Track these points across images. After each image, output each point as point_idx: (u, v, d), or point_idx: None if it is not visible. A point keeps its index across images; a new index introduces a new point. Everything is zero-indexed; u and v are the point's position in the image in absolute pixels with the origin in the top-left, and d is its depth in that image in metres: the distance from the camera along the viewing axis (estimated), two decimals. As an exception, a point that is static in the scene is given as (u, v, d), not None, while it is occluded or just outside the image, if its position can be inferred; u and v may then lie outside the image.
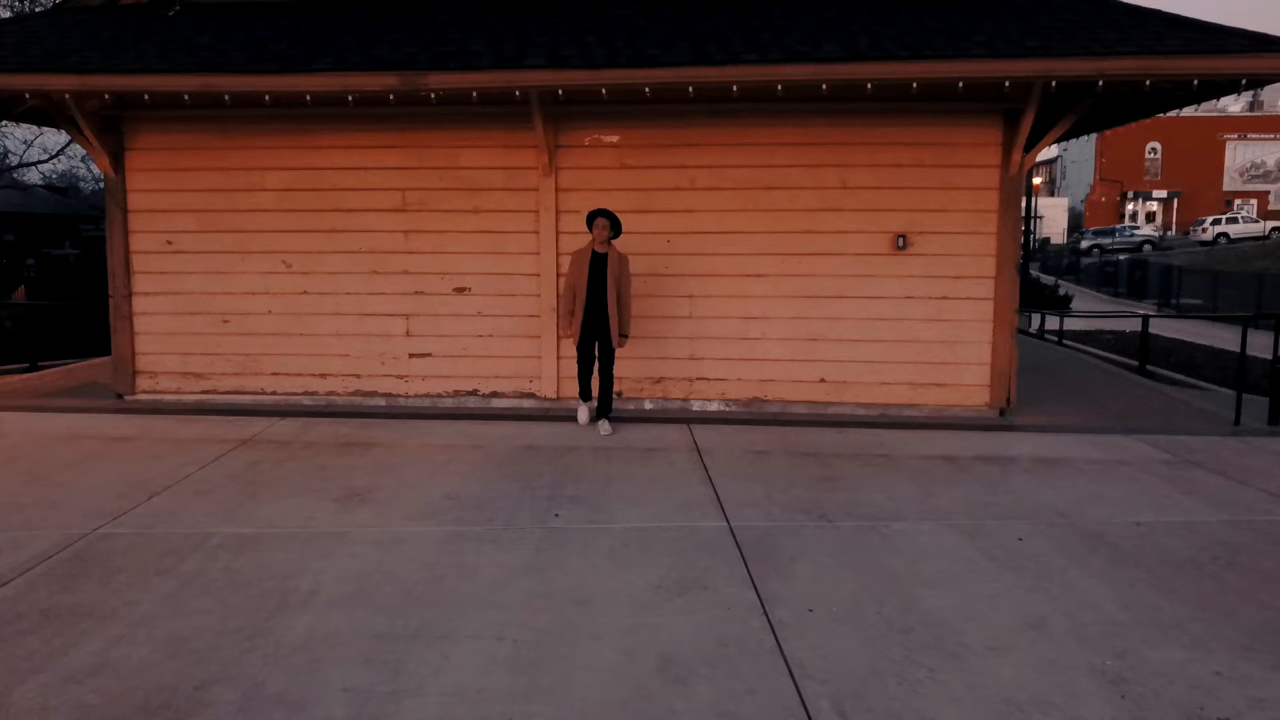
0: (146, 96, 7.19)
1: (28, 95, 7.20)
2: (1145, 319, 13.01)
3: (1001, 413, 8.01)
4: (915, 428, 7.61)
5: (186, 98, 7.15)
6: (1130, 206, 63.19)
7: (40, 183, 34.05)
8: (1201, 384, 12.13)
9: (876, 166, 7.87)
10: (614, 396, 7.51)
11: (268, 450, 6.74)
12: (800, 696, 3.26)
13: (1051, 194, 71.36)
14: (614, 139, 7.96)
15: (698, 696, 3.26)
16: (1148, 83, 6.54)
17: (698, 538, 4.91)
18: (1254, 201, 59.80)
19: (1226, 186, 61.37)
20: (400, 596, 4.13)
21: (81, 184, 39.80)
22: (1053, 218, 62.98)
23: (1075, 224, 64.06)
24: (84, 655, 3.55)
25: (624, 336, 7.14)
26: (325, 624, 3.84)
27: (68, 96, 7.24)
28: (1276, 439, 7.45)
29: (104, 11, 8.12)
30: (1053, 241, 58.40)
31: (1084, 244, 50.86)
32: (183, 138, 8.24)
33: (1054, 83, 6.67)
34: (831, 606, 4.03)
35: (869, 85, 6.74)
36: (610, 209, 7.21)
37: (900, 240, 7.90)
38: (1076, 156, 68.21)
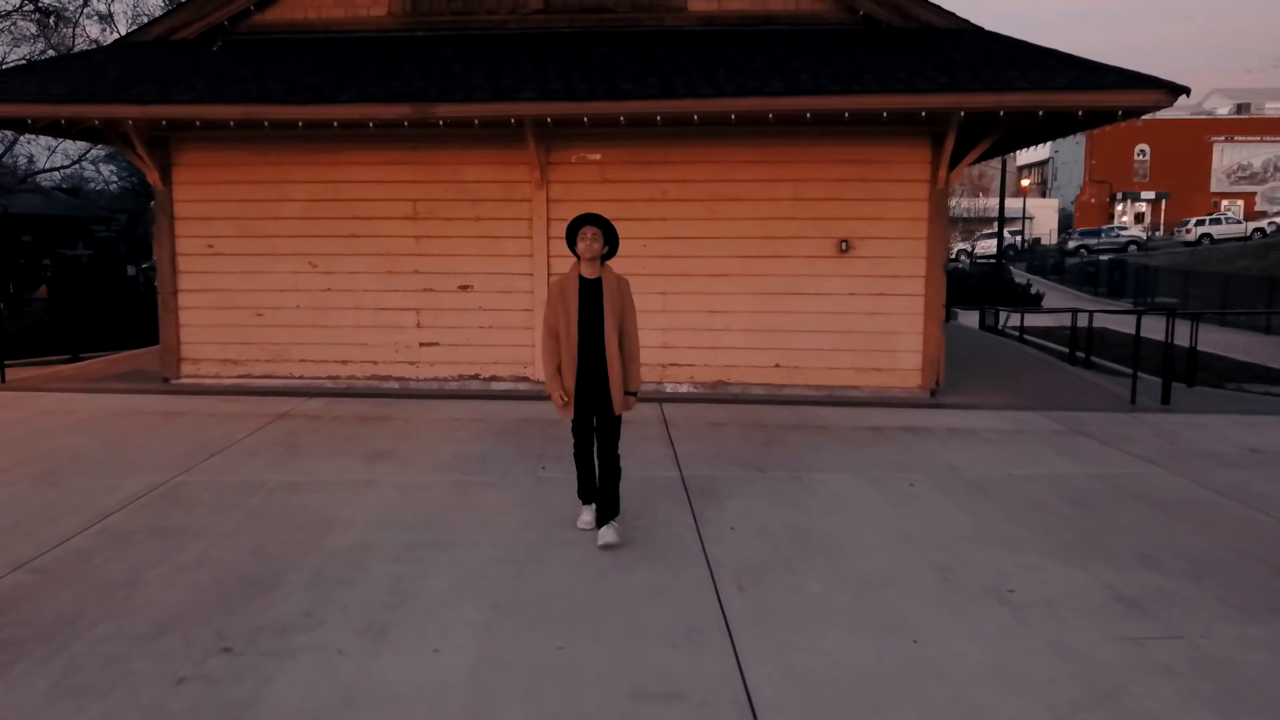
0: (197, 123, 8.42)
1: (97, 122, 8.44)
2: (1089, 314, 14.25)
3: (933, 393, 9.25)
4: (856, 405, 8.85)
5: (232, 124, 8.39)
6: (1119, 207, 64.41)
7: (49, 185, 35.13)
8: (1138, 373, 13.34)
9: (824, 181, 9.11)
10: (618, 472, 5.06)
11: (301, 423, 7.98)
12: (713, 578, 4.51)
13: (1043, 195, 72.53)
14: (597, 157, 9.21)
15: (638, 578, 4.50)
16: (1040, 113, 7.78)
17: (655, 484, 6.15)
18: (1240, 203, 60.93)
19: (1214, 188, 62.58)
20: (420, 521, 5.37)
21: (91, 185, 40.85)
22: (1043, 218, 64.18)
23: (1066, 224, 65.24)
24: (188, 556, 4.80)
25: (631, 395, 4.98)
26: (365, 538, 5.09)
27: (130, 123, 8.50)
28: (1162, 415, 8.70)
29: (157, 46, 9.36)
30: (1043, 242, 59.66)
31: (1071, 244, 52.14)
32: (222, 154, 9.48)
33: (963, 112, 7.91)
34: (749, 527, 5.28)
35: (808, 115, 7.98)
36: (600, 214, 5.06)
37: (844, 245, 9.14)
38: (1067, 158, 69.40)
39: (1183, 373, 11.65)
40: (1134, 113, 7.76)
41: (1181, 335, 10.90)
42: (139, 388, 9.71)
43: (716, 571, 4.60)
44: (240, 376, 9.75)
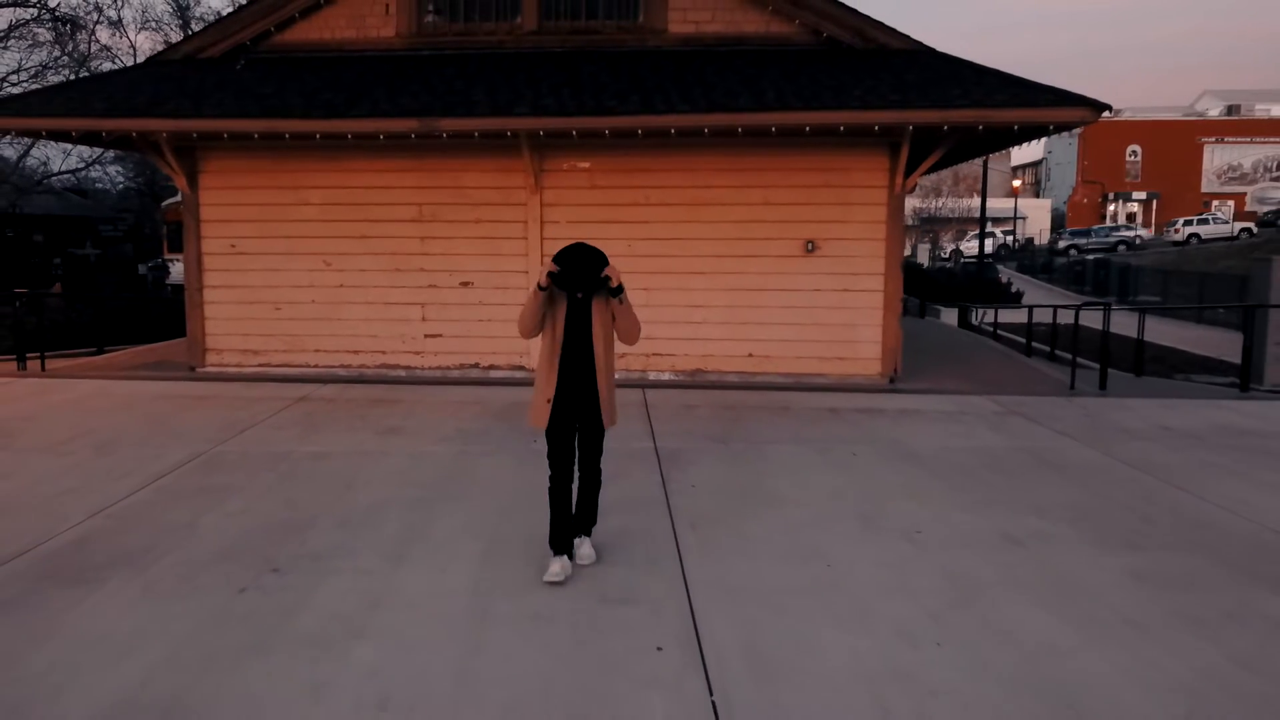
0: (225, 135, 9.34)
1: (134, 134, 9.36)
2: (1053, 309, 15.15)
3: (891, 380, 10.16)
4: (820, 391, 9.76)
5: (255, 135, 9.30)
6: (1111, 208, 65.28)
7: (60, 186, 36.01)
8: (1090, 364, 14.26)
9: (792, 187, 10.02)
10: (598, 483, 4.93)
11: (319, 405, 8.90)
12: (672, 521, 5.44)
13: (1037, 195, 73.39)
14: (586, 165, 10.13)
15: (609, 523, 5.41)
16: (980, 127, 8.69)
17: (632, 454, 7.06)
18: (1231, 203, 61.75)
19: (1204, 188, 63.43)
20: (428, 482, 6.29)
21: (97, 184, 41.74)
22: (1036, 218, 65.08)
23: (1059, 224, 66.13)
24: (233, 507, 5.72)
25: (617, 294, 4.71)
26: (381, 495, 6.00)
27: (164, 134, 9.41)
28: (1096, 399, 9.61)
29: (185, 64, 10.28)
30: (1035, 242, 60.59)
31: (1061, 244, 53.10)
32: (244, 161, 10.40)
33: (912, 126, 8.83)
34: (707, 485, 6.20)
35: (773, 128, 8.89)
36: (583, 234, 4.93)
37: (810, 245, 10.05)
38: (1060, 159, 70.20)
39: (1140, 365, 12.57)
40: (1064, 127, 8.67)
41: (1165, 332, 11.76)
42: (168, 375, 10.63)
43: (676, 517, 5.52)
44: (260, 365, 10.66)
